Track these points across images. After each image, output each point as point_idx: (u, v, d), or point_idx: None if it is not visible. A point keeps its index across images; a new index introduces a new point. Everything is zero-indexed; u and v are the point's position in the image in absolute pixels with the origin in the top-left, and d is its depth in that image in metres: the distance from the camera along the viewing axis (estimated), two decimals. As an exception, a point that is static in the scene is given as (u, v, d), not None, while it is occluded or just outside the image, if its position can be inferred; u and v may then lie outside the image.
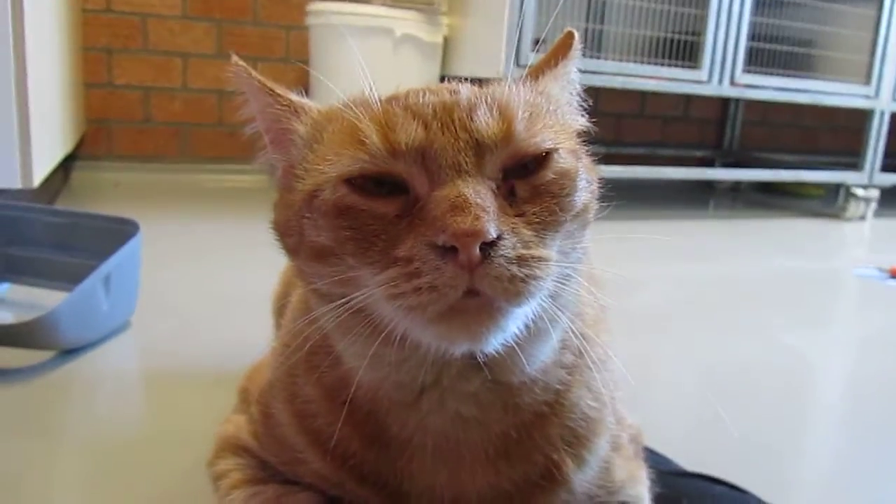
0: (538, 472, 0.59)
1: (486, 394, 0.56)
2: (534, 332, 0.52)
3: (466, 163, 0.48)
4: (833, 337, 1.70)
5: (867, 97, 3.14)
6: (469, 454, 0.58)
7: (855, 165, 3.22)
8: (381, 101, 0.53)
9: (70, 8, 2.46)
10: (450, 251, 0.45)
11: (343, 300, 0.50)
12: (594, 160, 0.59)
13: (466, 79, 0.57)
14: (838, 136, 4.34)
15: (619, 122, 3.86)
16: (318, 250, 0.52)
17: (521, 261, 0.46)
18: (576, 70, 0.62)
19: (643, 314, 1.60)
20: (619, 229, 0.60)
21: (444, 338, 0.48)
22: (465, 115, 0.50)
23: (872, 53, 3.09)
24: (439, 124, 0.50)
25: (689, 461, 0.89)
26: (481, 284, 0.45)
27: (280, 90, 0.59)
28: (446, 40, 2.80)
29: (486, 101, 0.51)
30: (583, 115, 0.62)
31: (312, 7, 2.72)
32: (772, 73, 2.95)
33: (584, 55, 0.62)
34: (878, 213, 3.29)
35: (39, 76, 1.68)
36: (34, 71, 1.58)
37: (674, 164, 3.26)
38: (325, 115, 0.57)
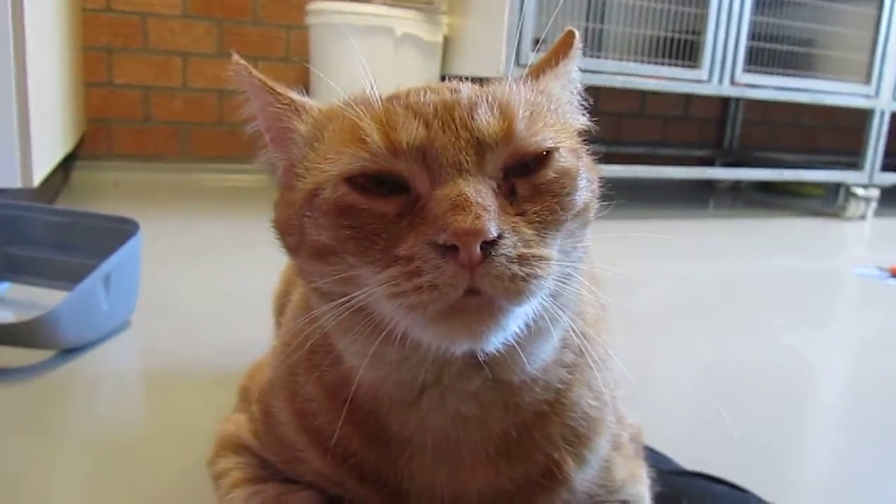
0: (539, 471, 0.59)
1: (487, 393, 0.56)
2: (534, 331, 0.52)
3: (467, 162, 0.48)
4: (833, 336, 1.70)
5: (867, 97, 3.14)
6: (469, 453, 0.57)
7: (855, 165, 3.22)
8: (381, 99, 0.53)
9: (70, 7, 2.46)
10: (450, 250, 0.45)
11: (344, 299, 0.50)
12: (594, 159, 0.59)
13: (467, 78, 0.57)
14: (838, 135, 4.34)
15: (619, 122, 3.86)
16: (319, 249, 0.52)
17: (522, 260, 0.46)
18: (576, 69, 0.62)
19: (643, 313, 1.60)
20: (620, 228, 0.60)
21: (445, 337, 0.48)
22: (466, 113, 0.50)
23: (872, 53, 3.09)
24: (440, 123, 0.50)
25: (689, 460, 0.89)
26: (482, 283, 0.45)
27: (281, 89, 0.58)
28: (446, 40, 2.81)
29: (486, 100, 0.51)
30: (583, 115, 0.62)
31: (312, 6, 2.72)
32: (772, 73, 2.95)
33: (584, 54, 0.62)
34: (878, 213, 3.29)
35: (39, 76, 1.68)
36: (34, 70, 1.59)
37: (674, 163, 3.27)
38: (326, 113, 0.57)
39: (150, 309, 1.37)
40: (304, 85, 0.63)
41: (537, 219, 0.49)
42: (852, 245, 2.93)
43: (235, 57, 0.58)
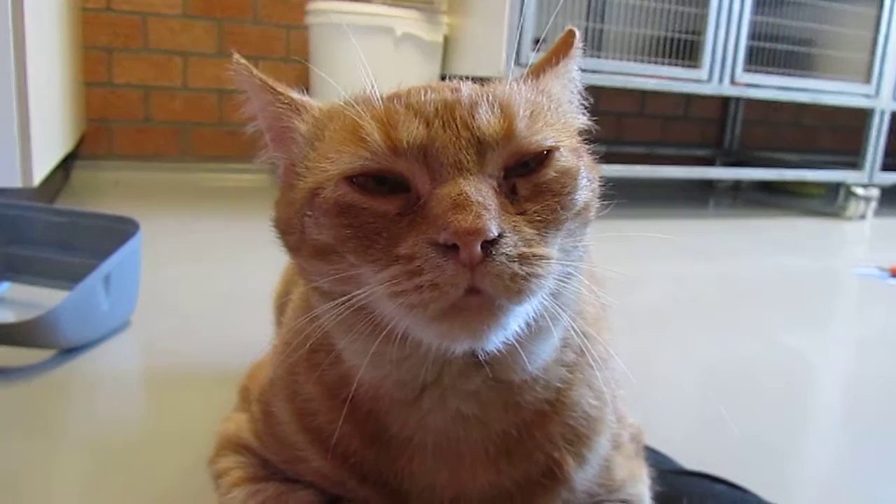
0: (539, 470, 0.59)
1: (487, 392, 0.56)
2: (535, 331, 0.52)
3: (468, 161, 0.48)
4: (833, 336, 1.70)
5: (867, 96, 3.14)
6: (470, 453, 0.57)
7: (855, 164, 3.22)
8: (382, 99, 0.53)
9: (70, 7, 2.46)
10: (451, 249, 0.45)
11: (344, 298, 0.50)
12: (595, 159, 0.59)
13: (467, 78, 0.57)
14: (838, 135, 4.34)
15: (619, 121, 3.86)
16: (320, 248, 0.52)
17: (523, 259, 0.46)
18: (577, 68, 0.62)
19: (644, 313, 1.60)
20: (620, 228, 0.60)
21: (446, 336, 0.48)
22: (466, 113, 0.50)
23: (873, 52, 3.09)
24: (441, 122, 0.50)
25: (689, 460, 0.89)
26: (482, 282, 0.45)
27: (281, 88, 0.58)
28: (447, 39, 2.80)
29: (487, 100, 0.51)
30: (583, 114, 0.62)
31: (313, 6, 2.72)
32: (772, 73, 2.95)
33: (584, 54, 0.62)
34: (878, 213, 3.29)
35: (39, 75, 1.68)
36: (34, 70, 1.59)
37: (674, 163, 3.27)
38: (327, 113, 0.57)
39: (150, 309, 1.37)
40: (305, 84, 0.63)
41: (538, 218, 0.49)
42: (852, 245, 2.93)
43: (236, 56, 0.58)
